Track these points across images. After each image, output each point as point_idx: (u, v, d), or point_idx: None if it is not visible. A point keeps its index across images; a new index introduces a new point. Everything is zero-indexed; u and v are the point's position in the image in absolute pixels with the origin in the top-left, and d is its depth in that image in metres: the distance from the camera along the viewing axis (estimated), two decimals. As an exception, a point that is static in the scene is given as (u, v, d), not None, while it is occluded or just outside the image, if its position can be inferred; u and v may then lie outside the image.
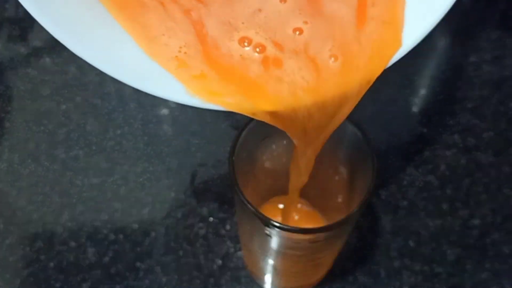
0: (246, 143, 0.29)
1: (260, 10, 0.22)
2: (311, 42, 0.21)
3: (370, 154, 0.27)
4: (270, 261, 0.33)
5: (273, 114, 0.21)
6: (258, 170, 0.33)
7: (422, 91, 0.48)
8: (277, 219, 0.26)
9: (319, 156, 0.26)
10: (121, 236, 0.40)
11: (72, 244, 0.40)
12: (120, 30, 0.20)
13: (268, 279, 0.37)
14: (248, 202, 0.26)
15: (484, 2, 0.54)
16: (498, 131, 0.45)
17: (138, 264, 0.39)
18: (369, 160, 0.27)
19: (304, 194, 0.32)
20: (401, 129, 0.45)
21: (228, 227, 0.40)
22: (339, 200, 0.34)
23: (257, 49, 0.21)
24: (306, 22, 0.22)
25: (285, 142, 0.32)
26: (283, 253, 0.31)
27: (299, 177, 0.28)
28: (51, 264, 0.39)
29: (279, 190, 0.34)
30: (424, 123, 0.45)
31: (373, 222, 0.40)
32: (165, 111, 0.46)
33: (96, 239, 0.40)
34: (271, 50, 0.21)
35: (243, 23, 0.21)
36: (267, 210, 0.36)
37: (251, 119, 0.28)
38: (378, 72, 0.22)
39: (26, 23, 0.52)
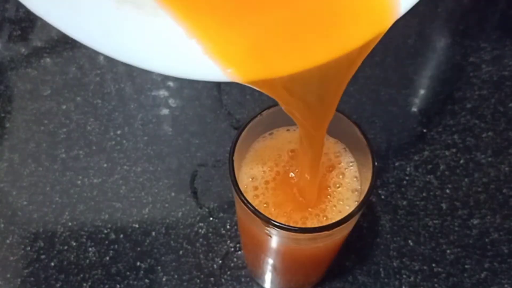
0: (246, 143, 0.29)
1: None
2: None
3: (370, 154, 0.27)
4: (270, 261, 0.33)
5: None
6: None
7: (422, 91, 0.48)
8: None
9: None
10: (121, 235, 0.40)
11: (73, 243, 0.40)
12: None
13: (268, 278, 0.37)
14: (248, 202, 0.26)
15: (484, 2, 0.54)
16: (497, 131, 0.45)
17: (138, 263, 0.39)
18: (369, 160, 0.27)
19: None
20: (401, 129, 0.45)
21: (228, 227, 0.40)
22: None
23: None
24: None
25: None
26: (283, 253, 0.31)
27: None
28: (52, 264, 0.39)
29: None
30: (424, 123, 0.46)
31: (373, 222, 0.40)
32: (165, 111, 0.46)
33: (97, 238, 0.40)
34: None
35: None
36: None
37: (251, 119, 0.28)
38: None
39: (27, 23, 0.52)
